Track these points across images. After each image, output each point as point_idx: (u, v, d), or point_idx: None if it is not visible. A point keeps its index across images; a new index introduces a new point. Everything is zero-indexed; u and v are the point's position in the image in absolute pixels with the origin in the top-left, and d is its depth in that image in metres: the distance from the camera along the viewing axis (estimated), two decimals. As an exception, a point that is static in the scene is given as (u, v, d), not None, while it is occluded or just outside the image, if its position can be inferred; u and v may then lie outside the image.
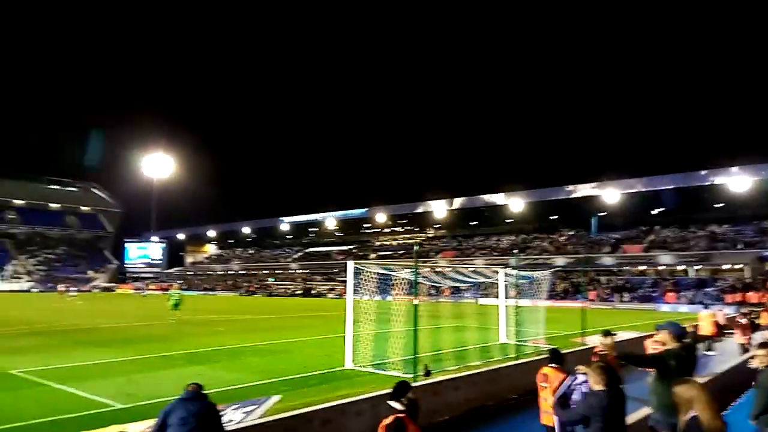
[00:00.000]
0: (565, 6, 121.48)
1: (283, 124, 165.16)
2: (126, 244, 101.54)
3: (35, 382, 11.49)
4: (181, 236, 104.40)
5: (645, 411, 6.25)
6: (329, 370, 12.66)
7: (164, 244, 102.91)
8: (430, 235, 79.19)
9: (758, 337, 15.36)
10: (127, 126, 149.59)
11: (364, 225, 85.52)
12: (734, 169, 49.31)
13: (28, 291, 76.07)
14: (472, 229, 73.73)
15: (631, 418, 5.86)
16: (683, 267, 50.27)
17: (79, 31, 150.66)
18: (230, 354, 16.05)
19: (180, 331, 22.51)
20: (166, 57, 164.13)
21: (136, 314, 32.89)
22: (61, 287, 69.70)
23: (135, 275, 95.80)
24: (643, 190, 55.95)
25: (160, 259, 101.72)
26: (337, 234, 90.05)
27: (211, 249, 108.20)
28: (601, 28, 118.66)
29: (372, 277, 13.41)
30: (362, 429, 7.25)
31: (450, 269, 18.63)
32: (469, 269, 19.62)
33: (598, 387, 4.88)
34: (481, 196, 68.13)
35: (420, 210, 74.86)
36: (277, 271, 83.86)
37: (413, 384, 7.03)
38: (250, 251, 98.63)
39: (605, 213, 60.38)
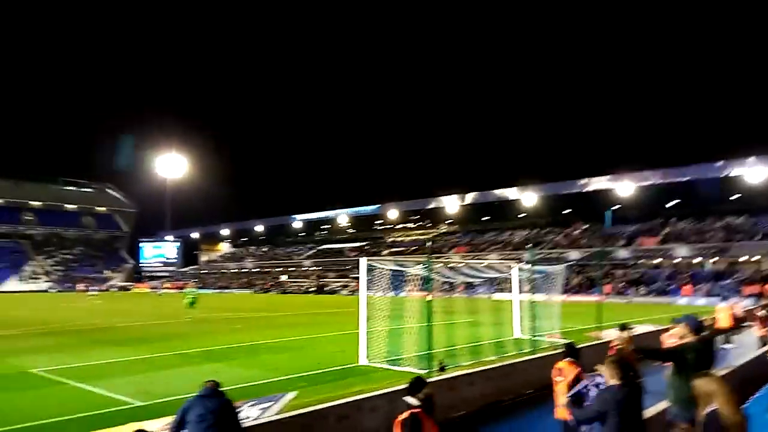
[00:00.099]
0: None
1: (294, 122, 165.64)
2: (141, 244, 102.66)
3: (55, 380, 11.67)
4: (195, 235, 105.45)
5: (662, 405, 6.20)
6: (344, 367, 12.71)
7: (179, 243, 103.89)
8: (442, 231, 79.05)
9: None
10: (141, 127, 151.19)
11: (377, 221, 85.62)
12: (750, 159, 48.63)
13: (46, 291, 77.18)
14: (484, 224, 73.47)
15: (649, 413, 5.81)
16: (700, 259, 49.68)
17: (93, 33, 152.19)
18: (246, 351, 16.16)
19: (196, 329, 22.72)
20: (179, 58, 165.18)
21: (152, 313, 33.24)
22: (80, 287, 70.74)
23: (151, 274, 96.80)
24: (658, 182, 55.36)
25: (175, 258, 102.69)
26: (349, 231, 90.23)
27: (225, 247, 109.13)
28: (615, 19, 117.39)
29: (385, 274, 13.42)
30: (378, 425, 7.27)
31: (463, 264, 18.57)
32: (483, 264, 19.54)
33: (613, 381, 4.80)
34: (494, 190, 67.87)
35: (432, 206, 74.75)
36: (290, 269, 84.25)
37: (428, 380, 7.04)
38: (263, 249, 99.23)
39: (620, 206, 59.88)
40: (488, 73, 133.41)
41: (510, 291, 19.30)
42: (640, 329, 15.19)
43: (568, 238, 60.69)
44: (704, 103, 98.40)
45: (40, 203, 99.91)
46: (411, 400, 4.44)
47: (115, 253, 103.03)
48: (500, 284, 41.81)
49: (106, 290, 77.19)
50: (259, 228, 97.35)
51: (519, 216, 68.98)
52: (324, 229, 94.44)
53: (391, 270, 13.60)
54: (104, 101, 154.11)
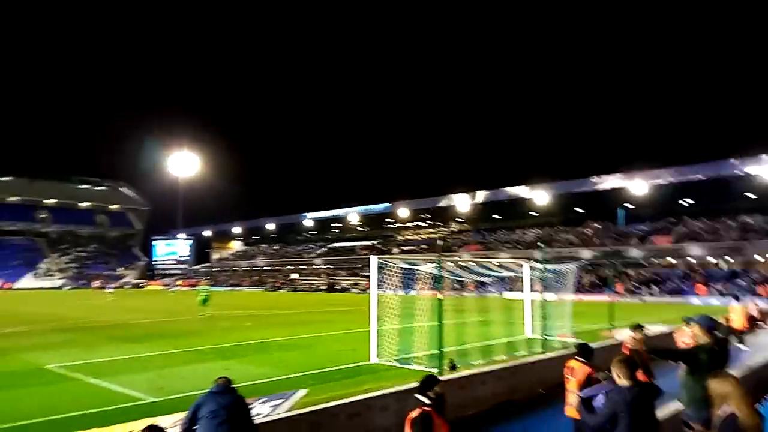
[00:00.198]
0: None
1: (305, 121, 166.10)
2: (154, 242, 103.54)
3: (69, 376, 11.82)
4: (207, 233, 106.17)
5: (676, 406, 6.14)
6: (354, 365, 12.72)
7: (191, 241, 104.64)
8: (453, 230, 78.86)
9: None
10: (153, 125, 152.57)
11: (387, 220, 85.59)
12: (765, 157, 47.92)
13: (60, 288, 78.16)
14: (495, 223, 73.16)
15: (662, 414, 5.76)
16: (714, 259, 49.14)
17: (105, 31, 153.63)
18: (257, 348, 16.25)
19: (209, 326, 22.88)
20: (192, 57, 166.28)
21: (165, 310, 33.52)
22: (95, 284, 71.56)
23: (163, 272, 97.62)
24: (672, 180, 54.78)
25: (188, 256, 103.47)
26: (360, 229, 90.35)
27: (236, 245, 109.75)
28: (627, 14, 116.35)
29: (395, 272, 13.42)
30: (388, 423, 7.28)
31: (474, 263, 18.51)
32: (494, 263, 19.47)
33: (622, 382, 4.69)
34: (505, 189, 67.51)
35: (443, 204, 74.55)
36: (301, 267, 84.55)
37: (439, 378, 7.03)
38: (274, 247, 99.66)
39: (633, 205, 59.33)
40: (500, 70, 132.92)
41: (521, 290, 19.22)
42: (652, 329, 15.07)
43: (580, 237, 60.29)
44: (718, 100, 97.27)
45: (55, 201, 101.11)
46: (422, 398, 4.44)
47: (128, 250, 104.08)
48: (511, 283, 41.74)
49: (120, 287, 78.04)
50: (271, 226, 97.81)
51: (530, 214, 68.62)
52: (335, 228, 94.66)
53: (401, 268, 13.60)
54: (118, 101, 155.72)
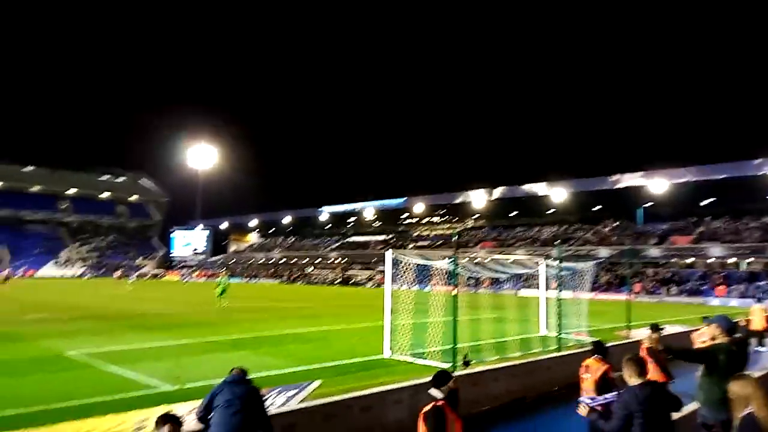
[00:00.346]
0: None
1: (323, 115, 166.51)
2: (172, 233, 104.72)
3: (88, 363, 12.01)
4: (224, 225, 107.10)
5: (692, 406, 6.07)
6: (368, 359, 12.77)
7: (209, 233, 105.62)
8: (469, 226, 78.54)
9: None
10: (173, 118, 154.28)
11: (403, 215, 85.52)
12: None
13: (80, 276, 79.53)
14: (512, 220, 72.66)
15: (678, 414, 5.69)
16: (734, 260, 48.33)
17: (124, 24, 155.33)
18: (273, 340, 16.37)
19: (225, 317, 23.11)
20: (211, 51, 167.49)
21: (183, 300, 33.93)
22: (116, 274, 72.69)
23: (181, 263, 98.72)
24: (693, 179, 53.92)
25: (205, 248, 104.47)
26: (375, 224, 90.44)
27: (253, 238, 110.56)
28: (653, 11, 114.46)
29: (410, 267, 13.42)
30: (401, 417, 7.30)
31: (489, 260, 18.43)
32: (509, 260, 19.38)
33: (633, 381, 4.58)
34: (522, 185, 67.01)
35: (459, 200, 74.23)
36: (316, 260, 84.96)
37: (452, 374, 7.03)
38: (290, 240, 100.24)
39: (652, 203, 58.53)
40: (520, 66, 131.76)
41: (537, 287, 19.09)
42: (670, 329, 14.90)
43: (597, 235, 59.68)
44: (741, 99, 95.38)
45: (75, 191, 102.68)
46: (435, 393, 4.44)
47: (146, 241, 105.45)
48: (527, 280, 41.50)
49: (141, 277, 79.18)
50: (287, 219, 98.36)
51: (548, 212, 68.05)
52: (350, 222, 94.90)
53: (416, 264, 13.60)
54: (140, 95, 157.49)
